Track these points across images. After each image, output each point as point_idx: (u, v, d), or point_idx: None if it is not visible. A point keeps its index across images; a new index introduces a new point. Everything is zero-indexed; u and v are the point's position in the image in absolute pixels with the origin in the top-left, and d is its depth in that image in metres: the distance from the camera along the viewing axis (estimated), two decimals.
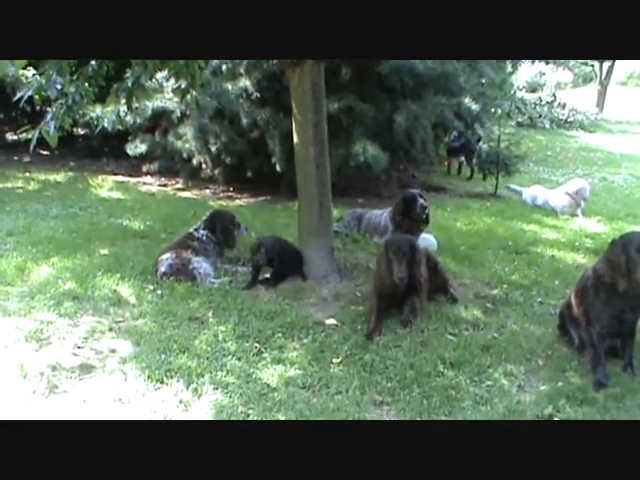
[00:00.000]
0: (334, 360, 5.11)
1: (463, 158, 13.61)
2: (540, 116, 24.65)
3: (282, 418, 4.34)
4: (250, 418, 4.33)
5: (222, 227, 7.10)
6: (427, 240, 7.77)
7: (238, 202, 10.59)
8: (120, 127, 11.01)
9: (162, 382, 4.71)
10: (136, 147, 11.67)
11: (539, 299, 6.54)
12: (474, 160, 13.19)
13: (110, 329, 5.53)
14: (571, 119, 25.70)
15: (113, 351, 5.17)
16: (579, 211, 10.58)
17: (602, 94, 32.60)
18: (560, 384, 4.95)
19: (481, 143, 13.07)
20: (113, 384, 4.67)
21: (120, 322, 5.68)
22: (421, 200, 7.91)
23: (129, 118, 11.20)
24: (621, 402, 4.70)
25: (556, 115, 25.46)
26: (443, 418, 4.44)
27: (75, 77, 5.50)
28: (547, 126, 24.19)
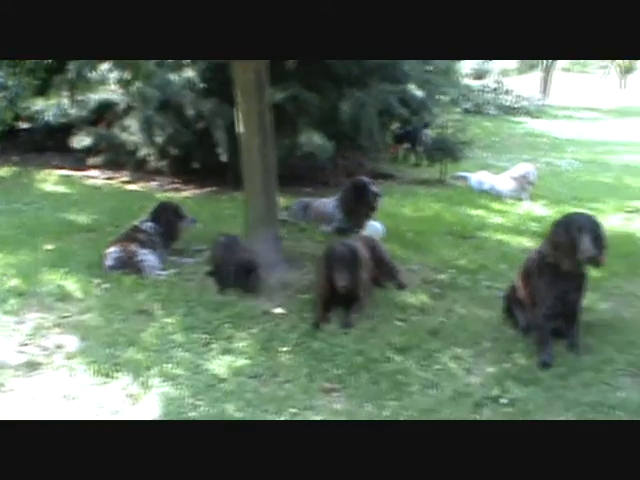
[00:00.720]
0: (283, 349, 5.13)
1: (409, 145, 13.62)
2: (486, 103, 24.84)
3: (231, 408, 4.34)
4: (199, 409, 4.33)
5: (166, 219, 7.05)
6: (374, 227, 7.82)
7: (184, 194, 10.50)
8: (64, 120, 10.86)
9: (109, 376, 4.68)
10: (81, 140, 11.44)
11: (486, 283, 6.64)
12: (418, 147, 13.23)
13: (56, 325, 5.47)
14: (517, 105, 25.96)
15: (59, 347, 5.11)
16: (525, 195, 10.72)
17: (547, 80, 33.00)
18: (507, 365, 5.04)
19: (427, 130, 13.10)
20: (60, 380, 4.63)
21: (66, 317, 5.61)
22: (373, 188, 7.96)
23: (73, 111, 11.04)
24: (566, 381, 4.81)
25: (502, 101, 25.70)
26: (391, 403, 4.48)
27: (16, 70, 5.41)
28: (493, 112, 24.37)
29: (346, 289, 5.66)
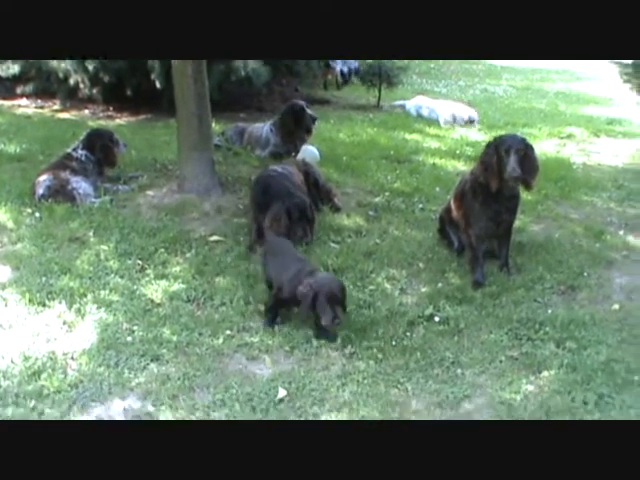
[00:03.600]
0: (218, 272, 5.15)
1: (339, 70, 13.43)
2: None
3: (167, 332, 4.37)
4: (135, 334, 4.35)
5: (101, 145, 6.90)
6: (309, 151, 7.79)
7: (118, 121, 10.29)
8: None
9: (44, 305, 4.65)
10: (8, 68, 11.08)
11: (420, 205, 6.71)
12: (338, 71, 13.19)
13: None
14: None
15: None
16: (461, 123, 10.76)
17: None
18: (440, 285, 5.16)
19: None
20: None
21: None
22: (309, 111, 7.96)
23: None
24: (497, 299, 4.96)
25: None
26: None
27: None
28: None
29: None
